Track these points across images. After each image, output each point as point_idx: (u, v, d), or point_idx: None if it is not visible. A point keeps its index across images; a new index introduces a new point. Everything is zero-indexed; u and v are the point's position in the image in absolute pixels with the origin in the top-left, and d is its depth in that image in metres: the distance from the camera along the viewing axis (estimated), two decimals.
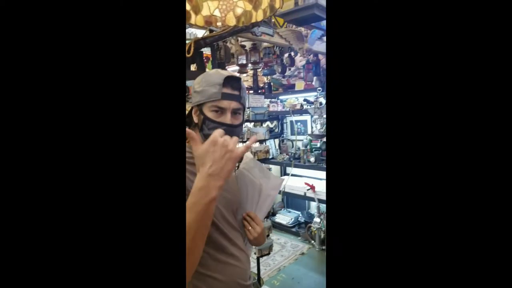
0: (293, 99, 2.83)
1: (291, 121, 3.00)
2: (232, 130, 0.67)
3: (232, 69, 2.11)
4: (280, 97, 2.97)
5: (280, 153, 2.95)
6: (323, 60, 2.49)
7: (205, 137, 0.66)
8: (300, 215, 2.91)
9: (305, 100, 2.64)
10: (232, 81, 0.68)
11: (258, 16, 1.31)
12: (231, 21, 1.25)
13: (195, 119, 0.71)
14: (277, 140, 3.09)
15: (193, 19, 1.29)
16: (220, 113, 0.67)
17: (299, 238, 2.73)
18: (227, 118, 0.67)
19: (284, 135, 3.09)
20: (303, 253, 2.48)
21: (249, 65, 1.85)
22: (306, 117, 2.85)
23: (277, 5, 1.19)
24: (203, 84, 0.68)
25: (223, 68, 1.75)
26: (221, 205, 0.71)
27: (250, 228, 0.75)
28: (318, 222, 2.52)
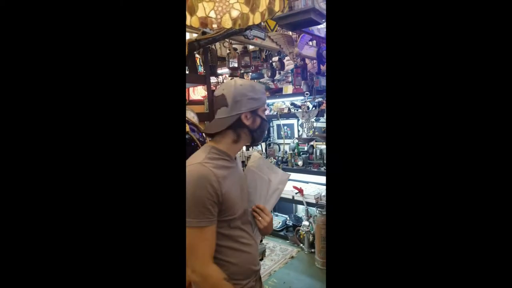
0: (280, 103, 2.84)
1: (278, 125, 3.01)
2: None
3: (222, 72, 2.08)
4: (267, 101, 2.96)
5: (267, 157, 2.95)
6: (310, 65, 2.52)
7: (256, 133, 0.82)
8: (288, 218, 2.91)
9: (292, 104, 2.65)
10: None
11: (256, 19, 1.30)
12: (227, 24, 1.22)
13: (248, 122, 0.81)
14: (263, 144, 3.08)
15: (188, 20, 1.26)
16: (264, 113, 0.84)
17: (288, 241, 2.72)
18: (265, 116, 0.85)
19: (271, 139, 3.09)
20: (292, 257, 2.48)
21: (241, 68, 1.83)
22: (293, 121, 2.87)
23: (276, 8, 1.19)
24: (259, 93, 0.83)
25: (215, 70, 1.72)
26: None
27: (260, 218, 0.85)
28: (307, 225, 2.53)
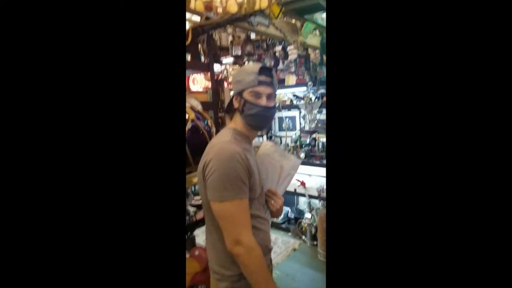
0: (282, 95, 2.80)
1: (280, 117, 2.97)
2: (269, 110, 0.83)
3: (226, 61, 2.03)
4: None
5: None
6: (312, 55, 2.47)
7: (246, 117, 0.82)
8: (290, 211, 2.90)
9: (294, 95, 2.61)
10: (265, 71, 0.82)
11: (262, 2, 1.25)
12: (233, 8, 1.18)
13: (236, 105, 0.85)
14: (264, 137, 3.04)
15: (193, 3, 1.21)
16: (257, 97, 0.81)
17: (289, 234, 2.71)
18: (264, 101, 0.81)
19: (272, 132, 3.05)
20: (294, 249, 2.47)
21: (244, 57, 1.78)
22: (295, 113, 2.84)
23: None
24: (242, 75, 0.82)
25: (218, 58, 1.67)
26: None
27: (273, 202, 0.88)
28: (309, 218, 2.51)
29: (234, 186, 0.72)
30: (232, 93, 0.85)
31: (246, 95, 0.81)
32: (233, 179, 0.72)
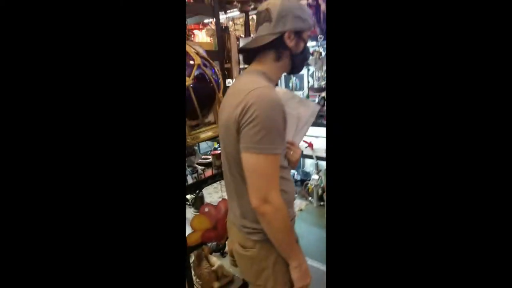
0: None
1: (285, 76, 2.82)
2: None
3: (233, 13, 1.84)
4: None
5: None
6: (323, 6, 2.26)
7: (299, 60, 0.77)
8: (296, 173, 2.87)
9: None
10: None
11: None
12: None
13: (291, 44, 0.73)
14: None
15: None
16: (307, 40, 0.78)
17: (296, 195, 2.71)
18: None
19: None
20: (301, 210, 2.48)
21: (251, 3, 1.60)
22: (303, 71, 2.68)
23: None
24: (306, 14, 0.74)
25: (225, 4, 1.50)
26: None
27: (292, 152, 0.83)
28: (316, 179, 2.49)
29: (272, 139, 0.64)
30: (285, 28, 0.71)
31: (305, 36, 0.76)
32: (274, 132, 0.64)
